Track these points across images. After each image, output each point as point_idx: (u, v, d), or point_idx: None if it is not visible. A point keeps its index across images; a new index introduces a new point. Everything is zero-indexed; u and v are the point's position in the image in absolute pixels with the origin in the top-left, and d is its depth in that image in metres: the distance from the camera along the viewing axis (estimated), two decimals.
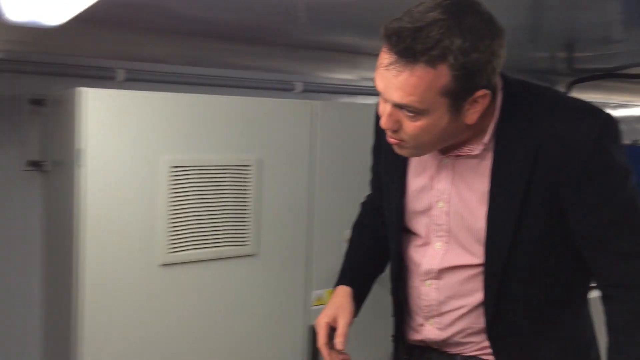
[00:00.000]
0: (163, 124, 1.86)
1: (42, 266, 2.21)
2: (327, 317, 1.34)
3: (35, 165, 2.15)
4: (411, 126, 1.11)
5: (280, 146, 2.07)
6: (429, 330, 1.32)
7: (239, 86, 2.48)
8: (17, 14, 1.49)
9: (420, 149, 1.19)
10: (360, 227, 1.54)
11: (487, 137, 1.18)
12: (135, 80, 2.27)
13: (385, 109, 1.13)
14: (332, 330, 1.33)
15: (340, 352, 1.30)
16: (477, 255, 1.22)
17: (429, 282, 1.28)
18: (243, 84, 2.50)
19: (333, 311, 1.35)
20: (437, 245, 1.27)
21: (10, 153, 2.14)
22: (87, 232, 1.75)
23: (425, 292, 1.29)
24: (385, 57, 1.08)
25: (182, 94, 1.94)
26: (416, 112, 1.09)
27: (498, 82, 1.16)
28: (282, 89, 2.57)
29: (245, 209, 1.99)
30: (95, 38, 2.18)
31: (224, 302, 2.00)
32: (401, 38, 1.04)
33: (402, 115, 1.11)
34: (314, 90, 2.62)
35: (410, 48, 1.04)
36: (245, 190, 1.99)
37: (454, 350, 1.31)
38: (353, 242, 1.53)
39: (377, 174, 1.45)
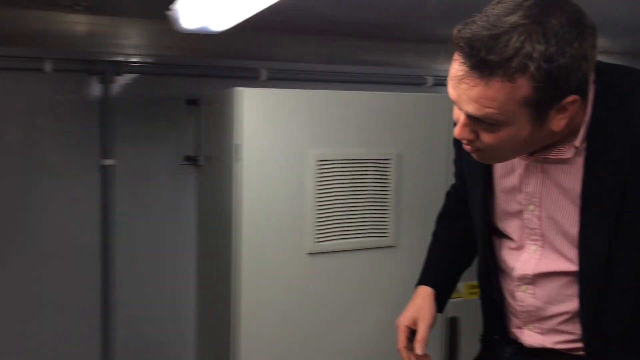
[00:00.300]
0: (310, 120, 1.94)
1: (196, 250, 2.39)
2: (407, 319, 1.31)
3: (191, 160, 2.33)
4: (489, 137, 1.02)
5: (418, 140, 2.09)
6: (528, 336, 1.23)
7: (371, 82, 2.53)
8: (191, 22, 1.62)
9: (501, 158, 1.11)
10: (445, 220, 1.47)
11: (578, 140, 1.06)
12: (276, 79, 2.39)
13: (459, 118, 1.04)
14: (412, 332, 1.30)
15: (420, 355, 1.27)
16: (575, 262, 1.12)
17: (524, 287, 1.20)
18: (375, 79, 2.55)
19: (413, 313, 1.32)
20: (532, 249, 1.18)
21: (170, 149, 2.32)
22: (243, 221, 1.87)
23: (521, 298, 1.21)
24: (457, 68, 0.97)
25: (327, 91, 2.02)
26: (493, 124, 0.99)
27: (590, 75, 1.02)
28: (414, 83, 2.59)
29: (385, 202, 2.04)
30: (240, 41, 2.32)
31: (365, 291, 2.05)
32: (474, 49, 0.93)
33: (478, 126, 1.02)
34: (444, 84, 2.61)
35: (484, 60, 0.92)
36: (385, 183, 2.04)
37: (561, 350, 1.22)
38: (437, 236, 1.46)
39: (460, 168, 1.36)
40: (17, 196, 2.15)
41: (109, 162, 2.20)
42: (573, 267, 1.12)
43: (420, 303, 1.33)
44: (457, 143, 1.29)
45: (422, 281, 1.39)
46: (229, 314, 1.94)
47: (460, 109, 1.02)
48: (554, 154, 1.09)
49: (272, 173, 1.90)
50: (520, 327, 1.25)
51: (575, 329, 1.16)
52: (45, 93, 2.16)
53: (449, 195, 1.51)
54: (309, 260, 1.95)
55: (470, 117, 1.01)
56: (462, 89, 0.97)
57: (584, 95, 1.01)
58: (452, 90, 1.01)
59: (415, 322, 1.31)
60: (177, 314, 2.38)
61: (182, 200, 2.36)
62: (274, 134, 1.90)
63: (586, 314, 1.12)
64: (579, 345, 1.16)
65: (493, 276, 1.28)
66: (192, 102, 2.32)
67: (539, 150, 1.10)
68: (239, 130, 1.86)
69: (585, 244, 1.09)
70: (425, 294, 1.35)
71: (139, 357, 2.35)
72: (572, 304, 1.15)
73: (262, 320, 1.92)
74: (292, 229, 1.92)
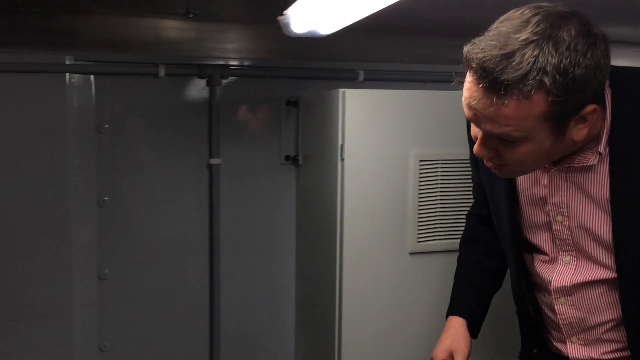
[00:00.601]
0: (411, 120, 1.93)
1: (295, 246, 2.44)
2: (443, 352, 1.30)
3: (290, 159, 2.38)
4: (510, 153, 1.00)
5: None
6: (573, 349, 1.20)
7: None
8: (300, 27, 1.66)
9: (523, 172, 1.10)
10: (468, 244, 1.44)
11: (601, 146, 1.04)
12: (373, 80, 2.40)
13: (477, 135, 1.03)
14: None
15: None
16: (612, 268, 1.09)
17: (562, 299, 1.17)
18: None
19: (449, 346, 1.30)
20: (566, 260, 1.15)
21: (270, 148, 2.39)
22: (345, 220, 1.89)
23: (561, 310, 1.18)
24: (471, 89, 0.96)
25: (428, 91, 2.01)
26: (513, 141, 0.98)
27: (605, 83, 1.02)
28: None
29: None
30: (337, 43, 2.34)
31: None
32: (486, 70, 0.92)
33: (498, 143, 1.00)
34: None
35: (498, 81, 0.91)
36: None
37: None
38: (462, 261, 1.43)
39: (479, 184, 1.33)
40: (134, 192, 2.28)
41: (215, 161, 2.29)
42: (611, 273, 1.09)
43: (454, 334, 1.32)
44: (474, 159, 1.28)
45: (452, 311, 1.37)
46: (330, 311, 1.96)
47: (478, 127, 1.00)
48: (577, 162, 1.07)
49: (374, 173, 1.91)
50: (563, 341, 1.21)
51: (621, 336, 1.13)
52: (158, 96, 2.27)
53: (469, 217, 1.48)
54: (410, 259, 1.95)
55: (489, 135, 1.00)
56: (478, 109, 0.96)
57: (601, 103, 1.00)
58: (467, 110, 0.99)
59: (451, 355, 1.30)
60: (277, 307, 2.45)
61: (282, 198, 2.42)
62: (376, 134, 1.91)
63: (630, 320, 1.09)
64: (627, 353, 1.13)
65: (527, 291, 1.25)
66: (292, 103, 2.37)
67: (562, 159, 1.08)
68: (342, 131, 1.88)
69: (621, 249, 1.06)
70: (457, 324, 1.34)
71: (243, 345, 2.44)
72: (615, 311, 1.12)
73: (362, 318, 1.93)
74: (393, 228, 1.92)
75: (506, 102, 0.92)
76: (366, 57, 2.46)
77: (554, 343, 1.24)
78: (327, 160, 1.99)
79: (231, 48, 2.38)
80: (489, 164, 1.08)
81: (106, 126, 2.22)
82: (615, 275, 1.09)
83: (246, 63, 2.42)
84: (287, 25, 1.65)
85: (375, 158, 1.91)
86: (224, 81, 2.33)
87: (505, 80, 0.91)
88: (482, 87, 0.93)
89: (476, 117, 0.99)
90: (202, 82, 2.31)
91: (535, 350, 1.30)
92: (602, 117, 1.03)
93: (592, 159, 1.05)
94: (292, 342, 2.46)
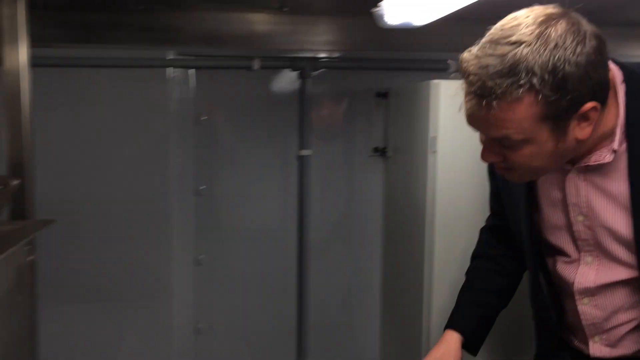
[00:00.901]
0: None
1: (382, 238, 2.44)
2: None
3: (379, 151, 2.37)
4: (515, 156, 1.00)
5: None
6: (596, 349, 1.17)
7: None
8: (394, 18, 1.64)
9: (534, 175, 1.08)
10: (478, 260, 1.41)
11: (616, 143, 1.02)
12: None
13: (482, 139, 1.04)
14: None
15: None
16: (635, 267, 1.07)
17: (585, 300, 1.15)
18: None
19: (437, 359, 1.27)
20: (588, 260, 1.13)
21: (361, 141, 2.40)
22: (437, 213, 1.86)
23: (584, 311, 1.16)
24: (467, 95, 0.97)
25: None
26: (515, 144, 0.97)
27: (617, 76, 1.01)
28: None
29: None
30: (427, 33, 2.30)
31: None
32: (477, 75, 0.93)
33: (501, 147, 1.00)
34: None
35: (486, 86, 0.92)
36: None
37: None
38: (470, 276, 1.41)
39: (496, 193, 1.31)
40: (229, 182, 2.35)
41: (306, 152, 2.32)
42: (634, 272, 1.08)
43: (445, 349, 1.30)
44: (491, 168, 1.27)
45: (449, 325, 1.34)
46: (419, 308, 1.94)
47: (481, 132, 1.02)
48: (593, 160, 1.05)
49: (466, 165, 1.85)
50: (585, 341, 1.20)
51: None
52: (252, 88, 2.33)
53: (483, 231, 1.44)
54: None
55: (492, 140, 1.00)
56: (474, 114, 0.97)
57: (603, 100, 0.98)
58: (466, 116, 1.01)
59: None
60: (363, 297, 2.47)
61: (370, 190, 2.42)
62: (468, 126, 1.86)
63: None
64: None
65: (549, 293, 1.22)
66: (382, 95, 2.36)
67: (579, 159, 1.06)
68: (435, 123, 1.85)
69: None
70: (451, 339, 1.31)
71: (328, 332, 2.47)
72: (639, 310, 1.11)
73: None
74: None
75: (500, 106, 0.93)
76: (457, 47, 2.40)
77: (575, 342, 1.23)
78: (418, 153, 1.96)
79: (322, 40, 2.39)
80: (499, 170, 1.08)
81: (203, 118, 2.30)
82: (638, 274, 1.07)
83: (336, 55, 2.43)
84: (381, 16, 1.64)
85: (467, 151, 1.85)
86: (315, 73, 2.35)
87: (494, 84, 0.92)
88: (474, 92, 0.95)
89: (474, 123, 1.00)
90: (293, 75, 2.34)
91: (554, 345, 1.27)
92: (615, 113, 1.02)
93: (608, 157, 1.04)
94: (376, 333, 2.47)
